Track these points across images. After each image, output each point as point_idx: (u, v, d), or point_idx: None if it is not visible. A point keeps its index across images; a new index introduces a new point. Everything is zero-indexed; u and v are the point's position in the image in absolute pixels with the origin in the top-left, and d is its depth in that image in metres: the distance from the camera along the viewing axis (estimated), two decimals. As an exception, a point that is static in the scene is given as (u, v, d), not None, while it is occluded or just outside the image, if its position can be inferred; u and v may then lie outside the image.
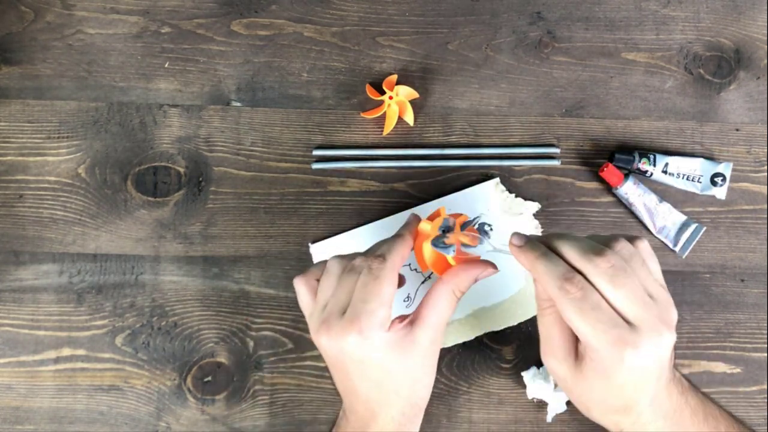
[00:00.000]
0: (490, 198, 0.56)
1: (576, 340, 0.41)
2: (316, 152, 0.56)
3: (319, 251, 0.55)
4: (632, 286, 0.39)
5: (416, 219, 0.46)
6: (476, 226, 0.47)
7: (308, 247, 0.55)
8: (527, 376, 0.53)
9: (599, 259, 0.39)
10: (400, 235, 0.45)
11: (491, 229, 0.54)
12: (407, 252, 0.44)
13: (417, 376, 0.43)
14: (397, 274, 0.43)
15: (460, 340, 0.55)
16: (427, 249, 0.44)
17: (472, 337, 0.55)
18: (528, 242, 0.42)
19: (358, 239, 0.55)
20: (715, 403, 0.45)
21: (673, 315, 0.40)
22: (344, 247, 0.55)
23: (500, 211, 0.55)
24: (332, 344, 0.42)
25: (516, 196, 0.55)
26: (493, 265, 0.44)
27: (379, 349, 0.41)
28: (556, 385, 0.52)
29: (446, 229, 0.44)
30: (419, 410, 0.45)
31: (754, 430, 0.45)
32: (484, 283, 0.55)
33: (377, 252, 0.43)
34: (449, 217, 0.44)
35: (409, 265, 0.55)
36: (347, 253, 0.45)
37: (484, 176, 0.56)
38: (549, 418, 0.53)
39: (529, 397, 0.53)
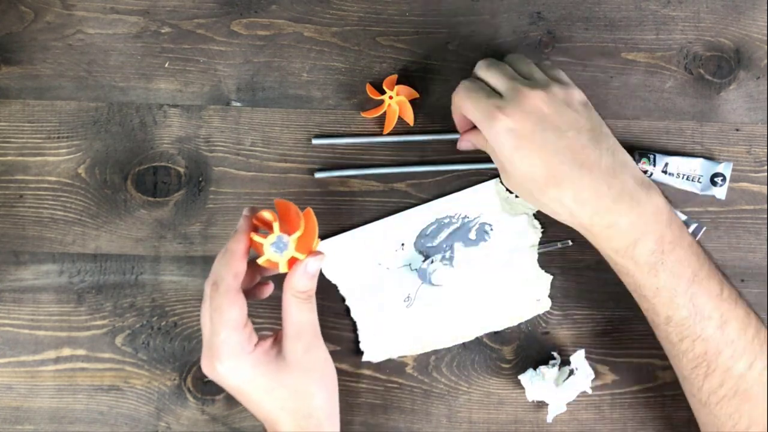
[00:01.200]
0: (489, 198, 0.56)
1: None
2: (316, 141, 0.56)
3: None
4: (503, 69, 0.48)
5: (246, 222, 0.43)
6: (476, 227, 0.48)
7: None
8: (524, 378, 0.53)
9: (484, 60, 0.50)
10: (229, 251, 0.43)
11: (491, 229, 0.55)
12: (240, 265, 0.42)
13: (299, 388, 0.43)
14: (235, 295, 0.42)
15: (460, 341, 0.55)
16: (267, 260, 0.42)
17: (472, 338, 0.55)
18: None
19: (358, 240, 0.55)
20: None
21: (542, 89, 0.46)
22: (345, 248, 0.55)
23: (500, 211, 0.55)
24: (211, 376, 0.43)
25: (516, 196, 0.55)
26: (320, 253, 0.43)
27: (247, 373, 0.42)
28: (557, 384, 0.52)
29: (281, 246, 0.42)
30: (323, 413, 0.44)
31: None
32: (483, 283, 0.55)
33: (211, 279, 0.42)
34: (282, 235, 0.41)
35: (410, 264, 0.55)
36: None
37: (484, 176, 0.56)
38: (549, 419, 0.53)
39: (529, 399, 0.53)
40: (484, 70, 0.49)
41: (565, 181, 0.44)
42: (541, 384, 0.52)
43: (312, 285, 0.43)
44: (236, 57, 0.57)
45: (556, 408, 0.53)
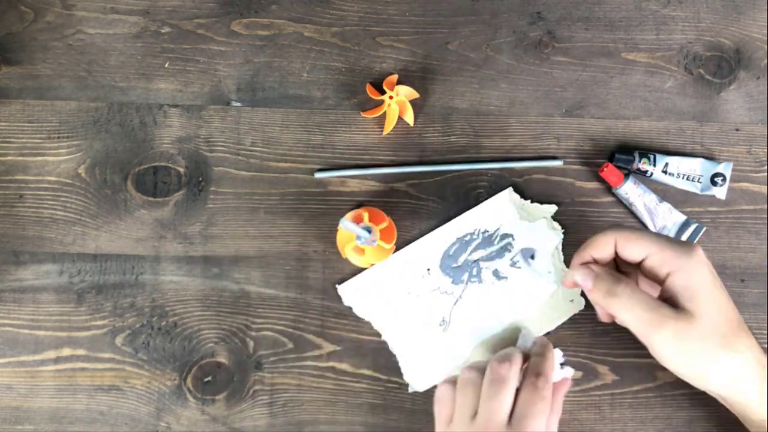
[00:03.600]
0: (506, 209, 0.55)
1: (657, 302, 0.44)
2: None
3: (349, 291, 0.55)
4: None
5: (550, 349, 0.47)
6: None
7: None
8: None
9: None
10: (540, 354, 0.46)
11: (513, 239, 0.54)
12: (551, 367, 0.45)
13: None
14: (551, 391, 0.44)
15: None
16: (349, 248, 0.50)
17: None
18: (596, 279, 0.46)
19: (384, 273, 0.55)
20: None
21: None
22: (371, 283, 0.55)
23: (519, 219, 0.55)
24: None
25: (531, 201, 0.55)
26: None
27: None
28: None
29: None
30: None
31: None
32: (514, 294, 0.54)
33: (535, 370, 0.44)
34: (371, 224, 0.50)
35: (438, 288, 0.55)
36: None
37: (484, 176, 0.56)
38: None
39: None
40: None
41: (746, 331, 0.44)
42: None
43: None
44: (236, 57, 0.57)
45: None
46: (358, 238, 0.48)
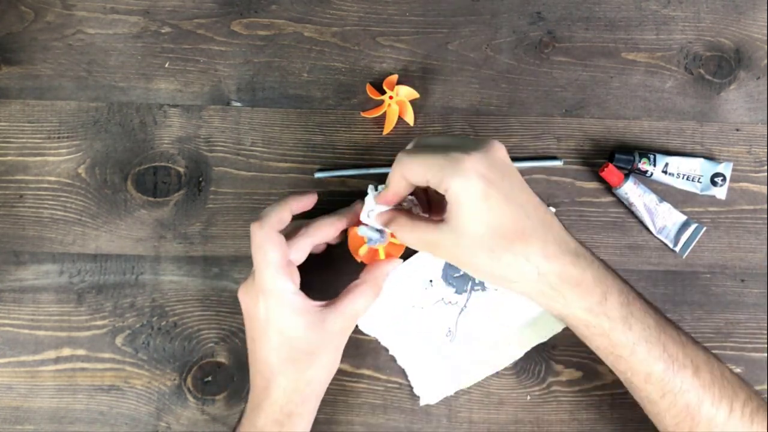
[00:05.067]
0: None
1: (435, 221, 0.43)
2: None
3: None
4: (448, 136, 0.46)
5: (359, 205, 0.49)
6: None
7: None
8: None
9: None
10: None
11: None
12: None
13: (316, 352, 0.45)
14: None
15: (509, 361, 0.54)
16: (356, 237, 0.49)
17: (522, 354, 0.54)
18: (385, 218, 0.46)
19: (387, 288, 0.53)
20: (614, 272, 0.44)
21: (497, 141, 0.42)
22: (377, 299, 0.54)
23: None
24: (245, 302, 0.46)
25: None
26: (397, 258, 0.50)
27: (282, 314, 0.44)
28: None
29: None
30: (313, 393, 0.46)
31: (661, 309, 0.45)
32: (518, 299, 0.54)
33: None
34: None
35: (443, 299, 0.55)
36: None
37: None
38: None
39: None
40: (427, 138, 0.45)
41: (532, 235, 0.41)
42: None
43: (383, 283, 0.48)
44: (236, 57, 0.57)
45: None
46: (370, 240, 0.48)
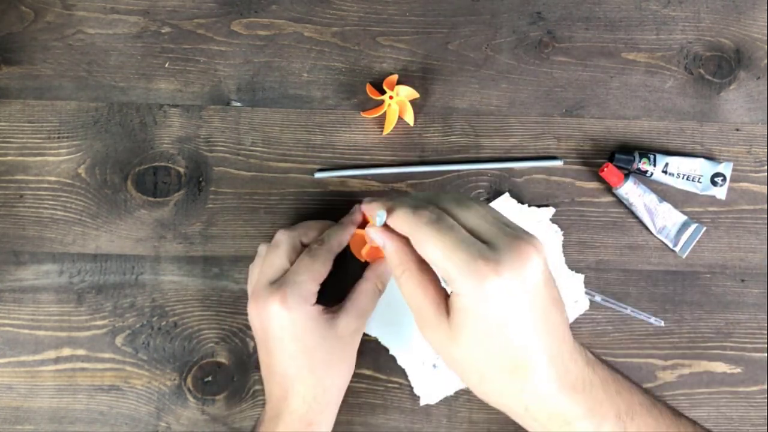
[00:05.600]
0: (503, 214, 0.55)
1: (444, 297, 0.37)
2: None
3: None
4: (481, 210, 0.37)
5: (359, 210, 0.48)
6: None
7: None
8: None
9: (442, 195, 0.39)
10: (344, 224, 0.49)
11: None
12: (345, 238, 0.48)
13: (333, 359, 0.45)
14: (332, 257, 0.46)
15: None
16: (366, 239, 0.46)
17: None
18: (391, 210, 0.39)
19: (387, 288, 0.52)
20: (625, 377, 0.41)
21: (537, 241, 0.35)
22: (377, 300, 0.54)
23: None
24: (256, 313, 0.44)
25: (529, 206, 0.55)
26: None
27: (298, 322, 0.43)
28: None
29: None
30: (332, 400, 0.46)
31: (666, 402, 0.42)
32: None
33: (317, 238, 0.47)
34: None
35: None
36: (292, 229, 0.48)
37: (484, 176, 0.56)
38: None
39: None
40: (454, 205, 0.38)
41: (534, 369, 0.35)
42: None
43: (388, 281, 0.48)
44: (236, 57, 0.57)
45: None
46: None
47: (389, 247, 0.39)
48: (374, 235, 0.40)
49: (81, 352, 0.54)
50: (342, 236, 0.47)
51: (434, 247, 0.35)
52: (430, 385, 0.54)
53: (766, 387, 0.55)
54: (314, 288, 0.45)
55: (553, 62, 0.57)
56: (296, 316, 0.43)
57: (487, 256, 0.33)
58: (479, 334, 0.35)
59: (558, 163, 0.56)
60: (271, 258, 0.46)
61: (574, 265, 0.56)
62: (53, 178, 0.56)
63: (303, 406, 0.44)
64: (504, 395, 0.36)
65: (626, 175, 0.55)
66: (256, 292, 0.45)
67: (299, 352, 0.44)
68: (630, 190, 0.54)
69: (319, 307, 0.45)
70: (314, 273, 0.45)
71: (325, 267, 0.45)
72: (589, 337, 0.55)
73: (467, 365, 0.36)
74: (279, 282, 0.44)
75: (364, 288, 0.47)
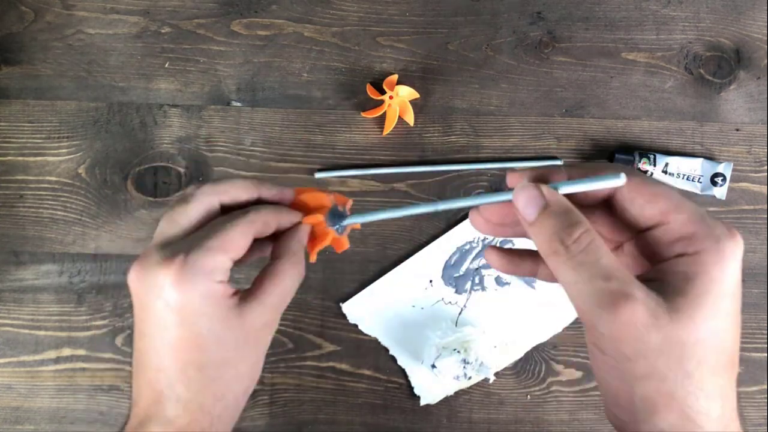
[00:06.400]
0: None
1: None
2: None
3: (353, 308, 0.55)
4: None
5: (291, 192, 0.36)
6: (498, 245, 0.45)
7: (340, 307, 0.55)
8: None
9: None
10: (276, 209, 0.35)
11: (513, 243, 0.54)
12: (275, 219, 0.34)
13: (233, 358, 0.32)
14: (252, 233, 0.33)
15: (512, 360, 0.55)
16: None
17: (522, 354, 0.55)
18: (545, 210, 0.30)
19: (387, 288, 0.55)
20: None
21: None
22: (376, 298, 0.55)
23: None
24: (137, 280, 0.32)
25: None
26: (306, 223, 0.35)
27: (193, 302, 0.31)
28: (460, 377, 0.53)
29: (336, 214, 0.36)
30: (225, 413, 0.33)
31: None
32: (518, 299, 0.54)
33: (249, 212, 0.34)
34: (339, 205, 0.36)
35: (443, 299, 0.55)
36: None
37: (484, 176, 0.56)
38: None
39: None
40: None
41: (735, 368, 0.29)
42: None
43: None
44: (236, 57, 0.57)
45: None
46: (338, 229, 0.36)
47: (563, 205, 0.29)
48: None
49: (81, 352, 0.54)
50: (274, 216, 0.35)
51: (650, 187, 0.29)
52: (430, 385, 0.54)
53: (766, 387, 0.55)
54: (226, 262, 0.32)
55: (553, 62, 0.57)
56: (192, 295, 0.31)
57: (715, 221, 0.29)
58: (716, 313, 0.27)
59: (558, 164, 0.56)
60: (174, 214, 0.33)
61: (574, 265, 0.56)
62: (53, 178, 0.56)
63: (182, 416, 0.31)
64: (710, 395, 0.28)
65: (626, 175, 0.55)
66: (145, 254, 0.33)
67: (186, 343, 0.31)
68: (630, 190, 0.54)
69: (227, 287, 0.32)
70: (230, 242, 0.32)
71: (245, 238, 0.33)
72: (589, 337, 0.55)
73: (686, 354, 0.27)
74: (177, 245, 0.32)
75: (281, 269, 0.34)
